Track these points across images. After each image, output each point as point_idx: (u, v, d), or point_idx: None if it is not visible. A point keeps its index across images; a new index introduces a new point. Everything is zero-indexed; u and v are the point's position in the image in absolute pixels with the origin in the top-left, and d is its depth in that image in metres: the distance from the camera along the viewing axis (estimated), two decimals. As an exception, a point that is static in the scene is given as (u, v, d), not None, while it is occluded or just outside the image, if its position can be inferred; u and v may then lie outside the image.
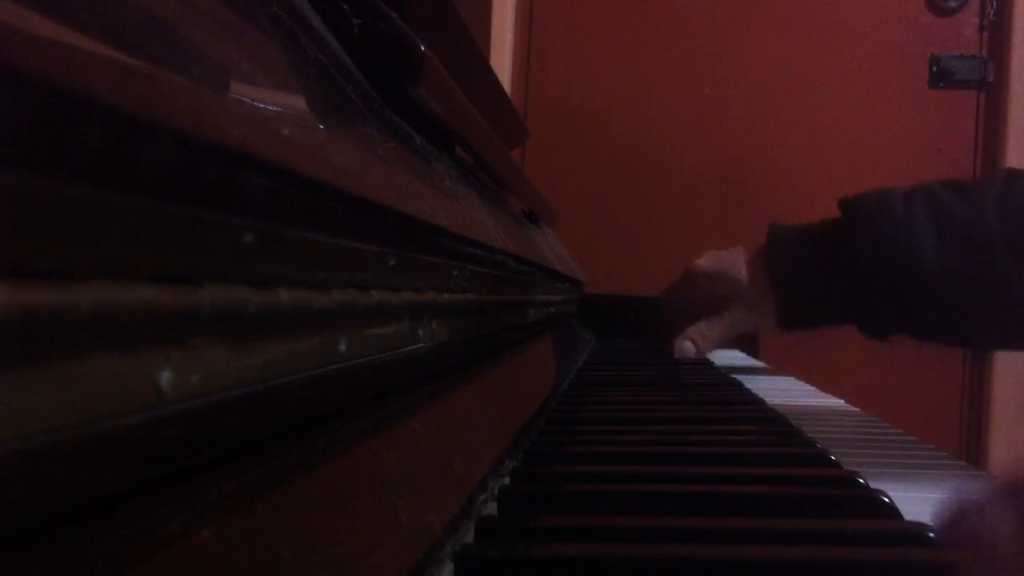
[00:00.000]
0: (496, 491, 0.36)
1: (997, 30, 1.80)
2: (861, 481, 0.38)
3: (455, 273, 0.37)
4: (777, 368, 1.09)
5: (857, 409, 0.74)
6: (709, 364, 1.04)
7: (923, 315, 0.86)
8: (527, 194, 0.87)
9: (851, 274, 0.87)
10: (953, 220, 0.83)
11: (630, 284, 1.78)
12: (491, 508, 0.34)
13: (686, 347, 1.02)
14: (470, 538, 0.30)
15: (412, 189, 0.30)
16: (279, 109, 0.20)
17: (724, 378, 0.87)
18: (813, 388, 0.90)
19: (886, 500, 0.35)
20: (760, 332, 1.02)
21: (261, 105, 0.19)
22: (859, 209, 0.87)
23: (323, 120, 0.24)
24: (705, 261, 1.02)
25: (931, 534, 0.30)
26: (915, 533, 0.31)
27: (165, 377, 0.15)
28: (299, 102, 0.23)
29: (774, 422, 0.58)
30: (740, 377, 0.87)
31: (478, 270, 0.42)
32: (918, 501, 0.36)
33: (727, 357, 1.12)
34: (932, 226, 0.83)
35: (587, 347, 1.14)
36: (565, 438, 0.50)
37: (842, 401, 0.79)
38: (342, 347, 0.24)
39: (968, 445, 1.81)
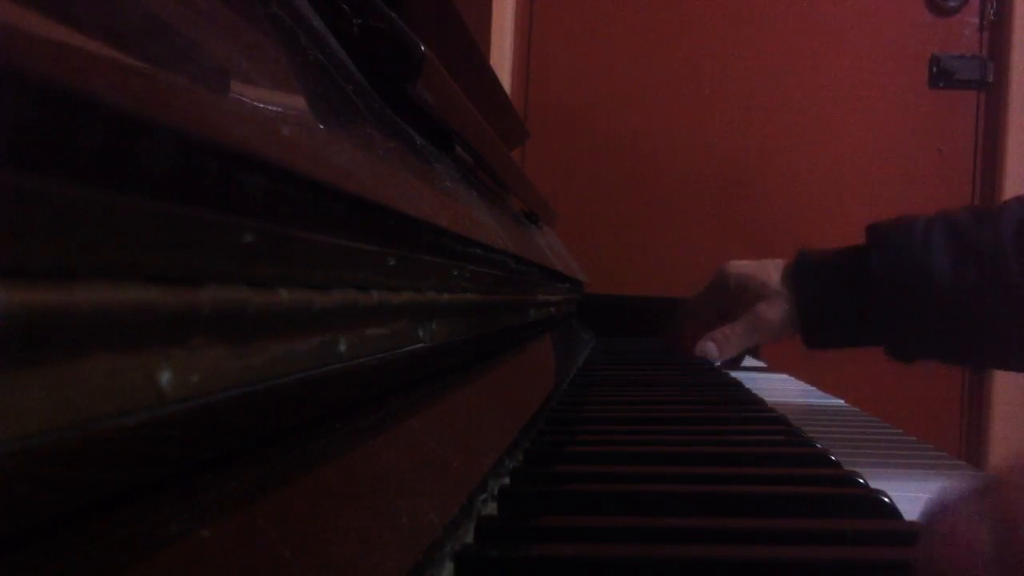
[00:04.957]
0: (496, 491, 0.36)
1: (997, 30, 1.80)
2: (861, 481, 0.38)
3: (455, 273, 0.37)
4: (777, 368, 1.08)
5: (857, 409, 0.74)
6: (709, 364, 1.04)
7: (942, 334, 0.86)
8: (527, 194, 0.87)
9: (872, 295, 0.87)
10: (967, 237, 0.84)
11: (630, 284, 1.79)
12: (491, 508, 0.34)
13: (708, 348, 0.99)
14: (470, 538, 0.30)
15: (412, 189, 0.30)
16: (279, 109, 0.20)
17: (724, 378, 0.87)
18: (813, 388, 0.90)
19: (886, 500, 0.35)
20: (781, 340, 1.00)
21: (261, 105, 0.19)
22: (880, 231, 0.89)
23: (323, 120, 0.24)
24: (737, 264, 1.01)
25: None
26: (915, 533, 0.31)
27: (165, 377, 0.15)
28: (299, 102, 0.23)
29: (774, 422, 0.58)
30: (740, 377, 0.87)
31: (478, 270, 0.42)
32: (918, 501, 0.36)
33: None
34: (947, 243, 0.84)
35: (587, 347, 1.14)
36: (565, 438, 0.50)
37: (842, 401, 0.79)
38: (342, 347, 0.24)
39: (968, 445, 1.81)
